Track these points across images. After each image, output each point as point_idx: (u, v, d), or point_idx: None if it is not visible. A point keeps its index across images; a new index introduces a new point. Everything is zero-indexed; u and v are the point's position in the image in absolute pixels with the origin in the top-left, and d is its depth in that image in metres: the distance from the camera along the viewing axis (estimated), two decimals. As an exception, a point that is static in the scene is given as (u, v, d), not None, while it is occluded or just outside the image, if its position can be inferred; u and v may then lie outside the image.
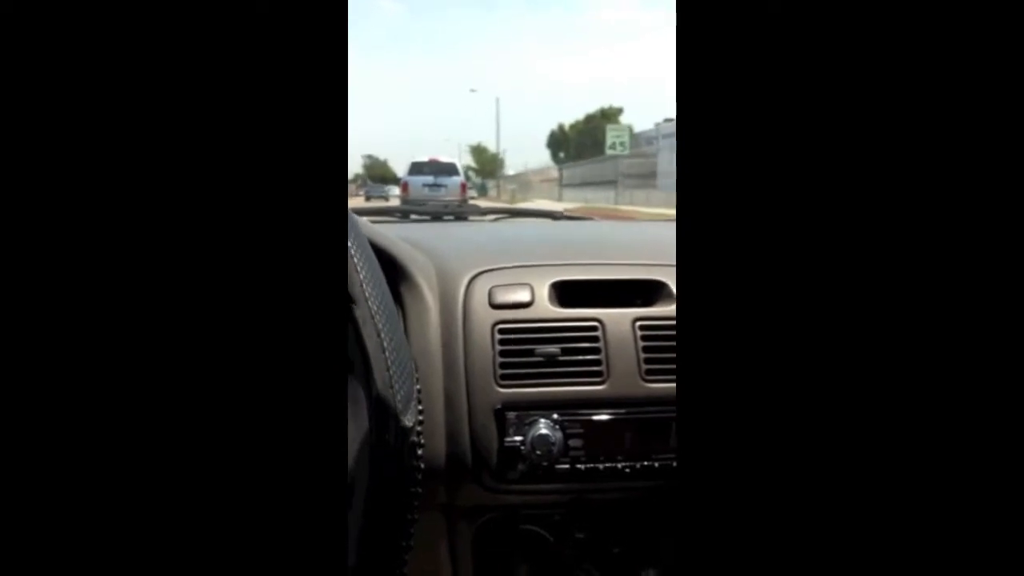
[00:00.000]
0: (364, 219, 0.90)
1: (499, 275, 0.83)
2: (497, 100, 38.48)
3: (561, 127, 44.47)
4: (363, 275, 0.51)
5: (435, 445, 0.74)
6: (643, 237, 1.23)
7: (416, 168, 13.94)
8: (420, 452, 0.55)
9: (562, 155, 40.16)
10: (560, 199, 24.50)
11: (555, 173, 31.40)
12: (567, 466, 0.75)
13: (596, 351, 0.78)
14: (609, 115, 37.77)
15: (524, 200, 24.87)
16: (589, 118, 39.68)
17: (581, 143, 36.77)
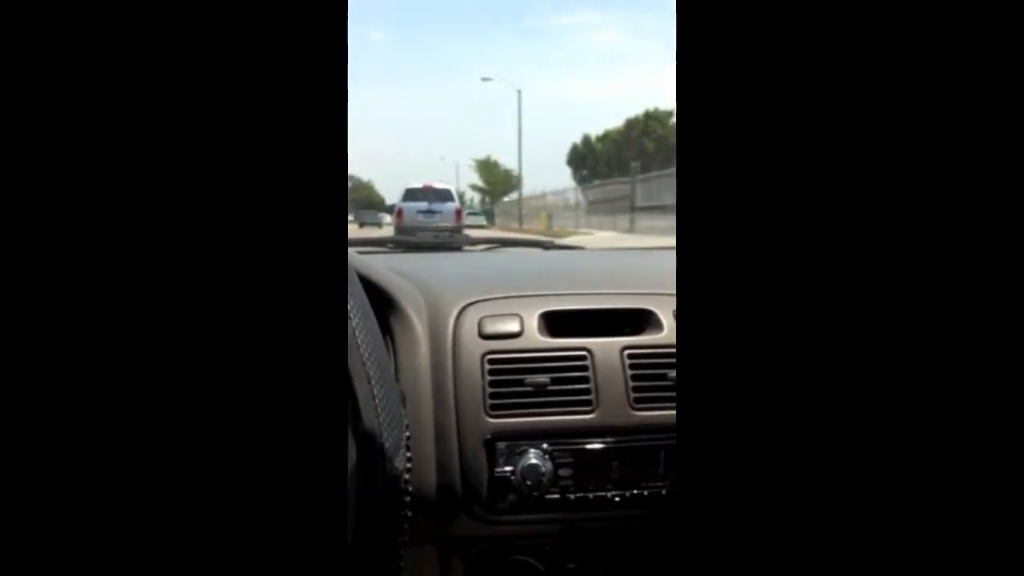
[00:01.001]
0: (352, 251, 0.91)
1: (489, 305, 0.84)
2: (519, 92, 24.99)
3: (587, 139, 35.08)
4: (356, 321, 0.51)
5: (425, 476, 0.74)
6: (632, 266, 1.24)
7: (411, 194, 13.92)
8: (407, 500, 0.55)
9: (585, 172, 32.94)
10: (623, 228, 16.82)
11: (576, 196, 26.09)
12: (557, 496, 0.75)
13: (585, 380, 0.78)
14: (657, 118, 29.51)
15: (562, 232, 17.06)
16: (631, 124, 30.56)
17: (619, 157, 28.24)
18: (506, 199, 38.81)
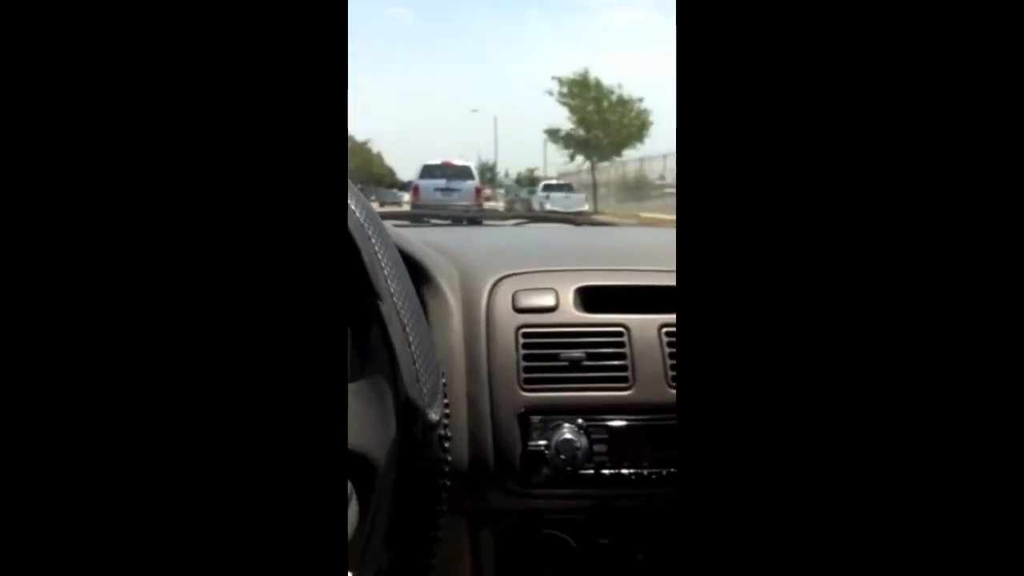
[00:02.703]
0: (388, 223, 0.90)
1: (523, 279, 0.83)
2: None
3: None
4: (387, 271, 0.51)
5: (458, 448, 0.74)
6: (667, 243, 1.22)
7: (428, 171, 13.80)
8: (447, 446, 0.55)
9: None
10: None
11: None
12: (591, 471, 0.74)
13: (622, 356, 0.77)
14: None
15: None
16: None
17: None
18: (621, 158, 20.79)
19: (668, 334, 0.79)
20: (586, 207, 16.67)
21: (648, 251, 1.08)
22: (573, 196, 17.84)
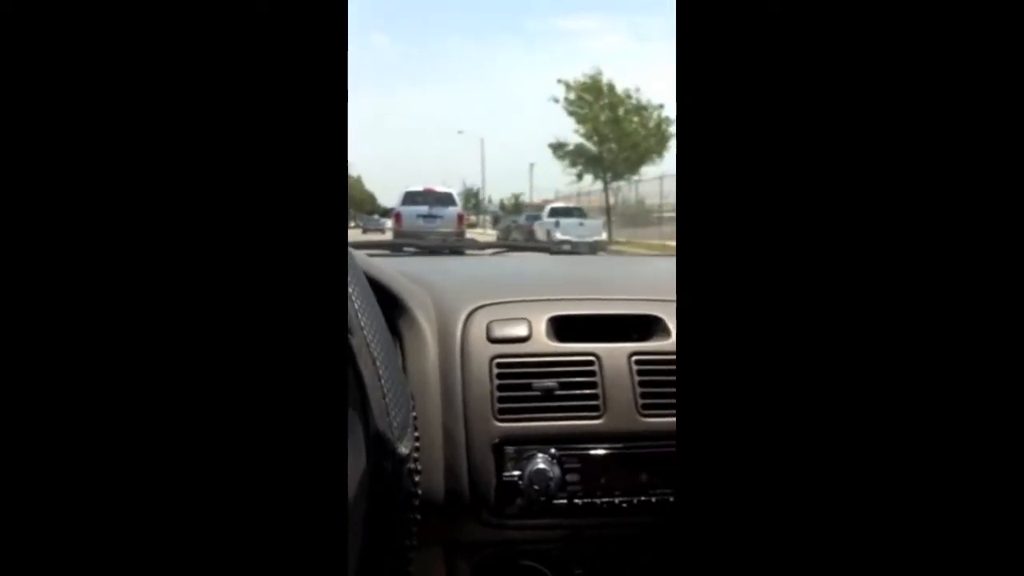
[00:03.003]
0: (361, 252, 0.91)
1: (497, 309, 0.84)
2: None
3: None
4: (358, 304, 0.52)
5: (434, 479, 0.74)
6: (639, 272, 1.24)
7: (410, 198, 13.74)
8: (417, 479, 0.55)
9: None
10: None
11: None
12: (565, 501, 0.75)
13: (593, 385, 0.78)
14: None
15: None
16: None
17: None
18: (637, 176, 18.09)
19: (638, 362, 0.80)
20: (603, 235, 14.50)
21: (619, 279, 1.10)
22: (588, 223, 14.64)
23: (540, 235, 14.05)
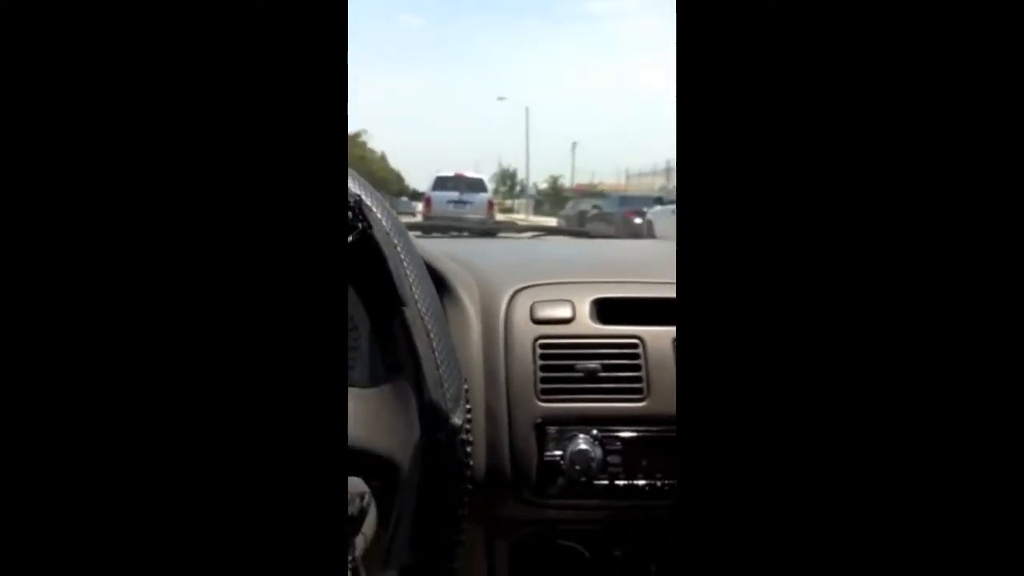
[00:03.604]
0: (411, 234, 0.92)
1: (540, 291, 0.84)
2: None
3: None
4: (412, 278, 0.52)
5: (476, 457, 0.75)
6: None
7: (441, 183, 13.78)
8: (469, 450, 0.56)
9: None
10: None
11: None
12: (606, 482, 0.75)
13: (637, 368, 0.78)
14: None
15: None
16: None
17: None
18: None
19: None
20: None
21: (662, 263, 1.09)
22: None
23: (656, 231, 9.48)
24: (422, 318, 0.52)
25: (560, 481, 0.75)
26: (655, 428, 0.77)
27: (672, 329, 0.81)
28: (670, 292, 0.86)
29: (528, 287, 0.84)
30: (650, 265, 1.07)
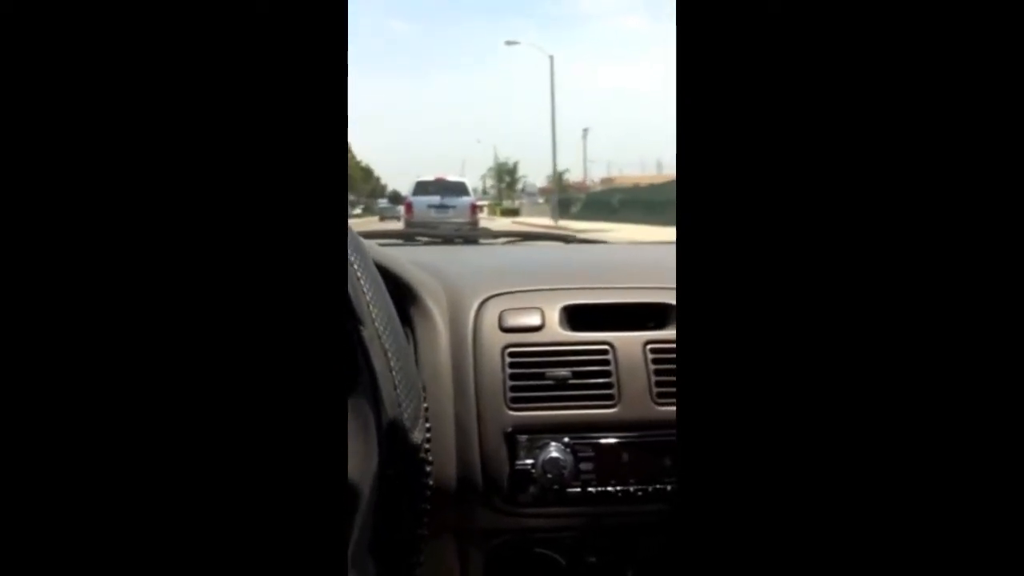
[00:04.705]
0: (372, 242, 0.91)
1: (509, 299, 0.83)
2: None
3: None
4: (369, 296, 0.52)
5: (446, 468, 0.74)
6: (653, 260, 1.23)
7: (421, 188, 13.56)
8: (428, 469, 0.55)
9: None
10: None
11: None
12: (578, 489, 0.75)
13: (607, 374, 0.78)
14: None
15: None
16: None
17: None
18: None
19: (653, 351, 0.79)
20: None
21: (633, 268, 1.09)
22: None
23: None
24: (379, 337, 0.51)
25: (532, 489, 0.74)
26: (626, 434, 0.76)
27: (642, 334, 0.81)
28: (640, 297, 0.86)
29: (497, 295, 0.84)
30: (620, 269, 1.07)
